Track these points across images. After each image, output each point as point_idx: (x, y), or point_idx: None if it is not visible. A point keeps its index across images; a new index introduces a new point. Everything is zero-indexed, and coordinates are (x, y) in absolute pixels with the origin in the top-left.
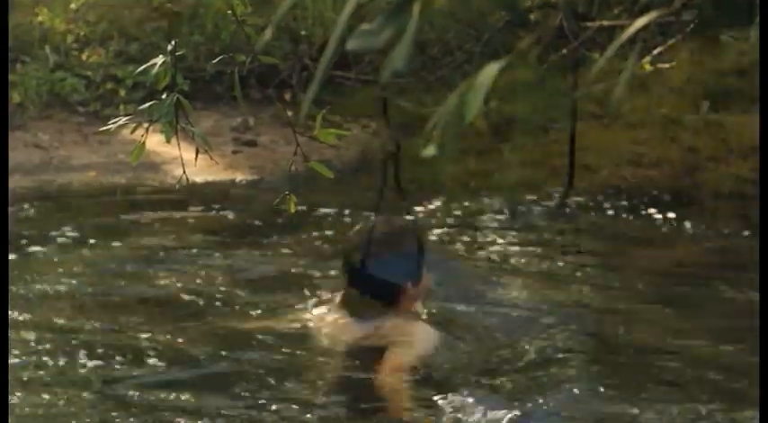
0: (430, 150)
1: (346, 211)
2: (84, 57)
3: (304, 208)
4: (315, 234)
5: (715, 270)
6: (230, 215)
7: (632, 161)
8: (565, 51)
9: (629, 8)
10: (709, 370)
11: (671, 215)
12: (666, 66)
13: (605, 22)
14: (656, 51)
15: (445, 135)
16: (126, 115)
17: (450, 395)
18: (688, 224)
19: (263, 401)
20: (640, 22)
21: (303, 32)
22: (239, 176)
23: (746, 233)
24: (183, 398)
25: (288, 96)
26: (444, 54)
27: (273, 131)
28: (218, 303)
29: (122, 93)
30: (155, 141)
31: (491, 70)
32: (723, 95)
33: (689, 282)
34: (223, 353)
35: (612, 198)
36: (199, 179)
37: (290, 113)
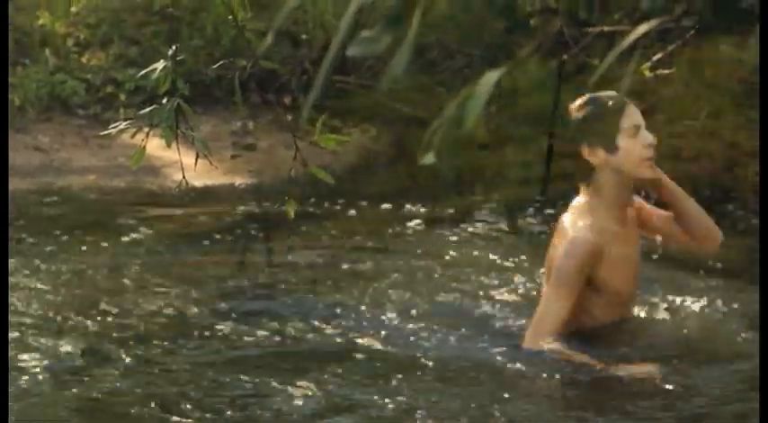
0: (429, 159)
1: (348, 215)
2: (84, 60)
3: (310, 209)
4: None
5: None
6: (229, 218)
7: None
8: (565, 57)
9: (629, 14)
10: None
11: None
12: (666, 72)
13: (606, 28)
14: (655, 57)
15: (444, 143)
16: (126, 119)
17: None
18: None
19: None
20: (641, 29)
21: (303, 36)
22: (238, 180)
23: None
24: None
25: (287, 101)
26: (444, 58)
27: (273, 136)
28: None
29: (122, 96)
30: (154, 145)
31: (490, 78)
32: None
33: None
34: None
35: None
36: (198, 183)
37: (289, 118)
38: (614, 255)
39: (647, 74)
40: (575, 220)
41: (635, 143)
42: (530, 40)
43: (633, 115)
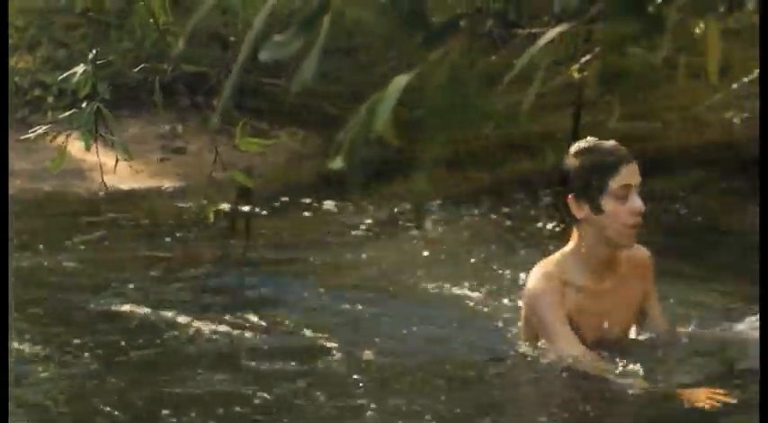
0: (337, 163)
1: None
2: (12, 62)
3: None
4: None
5: None
6: (154, 220)
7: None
8: (494, 58)
9: (556, 16)
10: None
11: None
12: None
13: (534, 30)
14: (584, 59)
15: (353, 146)
16: (52, 122)
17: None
18: None
19: None
20: (552, 32)
21: (232, 39)
22: (166, 183)
23: None
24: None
25: (216, 103)
26: (374, 60)
27: (201, 139)
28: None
29: (50, 99)
30: (81, 149)
31: (400, 81)
32: None
33: None
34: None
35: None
36: (124, 186)
37: (215, 120)
38: (582, 307)
39: (576, 75)
40: (535, 271)
41: (622, 209)
42: (455, 41)
43: (627, 175)
